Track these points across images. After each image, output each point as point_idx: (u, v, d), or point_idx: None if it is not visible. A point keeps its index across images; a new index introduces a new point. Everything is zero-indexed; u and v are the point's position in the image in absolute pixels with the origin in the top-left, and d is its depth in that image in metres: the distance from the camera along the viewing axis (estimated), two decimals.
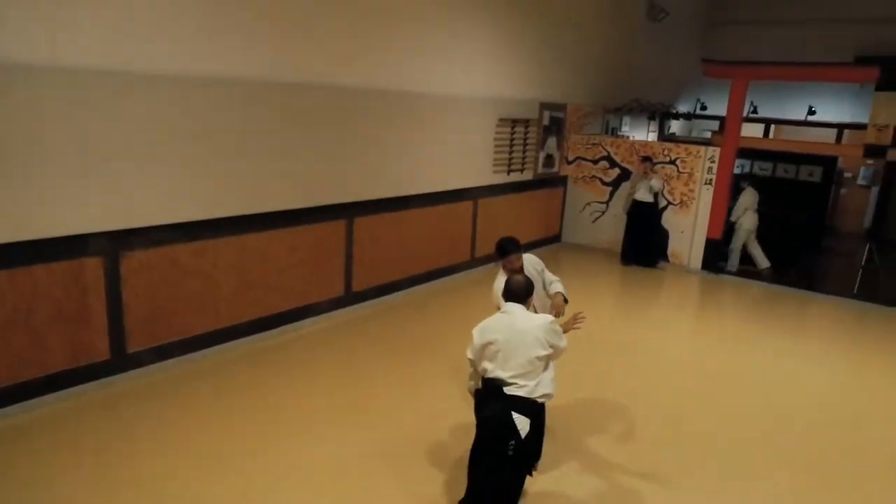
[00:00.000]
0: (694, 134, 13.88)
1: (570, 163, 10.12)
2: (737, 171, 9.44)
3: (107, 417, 4.30)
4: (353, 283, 6.59)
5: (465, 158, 7.82)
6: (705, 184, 9.00)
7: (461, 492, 3.49)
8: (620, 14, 10.78)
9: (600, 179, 9.96)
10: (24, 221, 4.07)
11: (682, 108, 13.62)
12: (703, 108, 13.66)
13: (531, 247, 9.29)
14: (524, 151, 8.89)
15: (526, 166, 9.01)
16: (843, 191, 13.00)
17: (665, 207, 9.36)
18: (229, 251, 5.32)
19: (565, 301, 4.14)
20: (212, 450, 4.00)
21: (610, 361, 5.85)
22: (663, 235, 9.41)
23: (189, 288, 5.07)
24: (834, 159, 10.97)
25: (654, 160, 9.24)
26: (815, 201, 10.92)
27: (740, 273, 9.09)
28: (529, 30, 8.51)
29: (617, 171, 9.78)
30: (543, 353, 3.23)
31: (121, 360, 4.75)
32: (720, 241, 9.07)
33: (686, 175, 9.15)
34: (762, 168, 11.13)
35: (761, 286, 8.71)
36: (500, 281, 4.01)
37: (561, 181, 10.08)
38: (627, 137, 10.80)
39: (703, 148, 9.10)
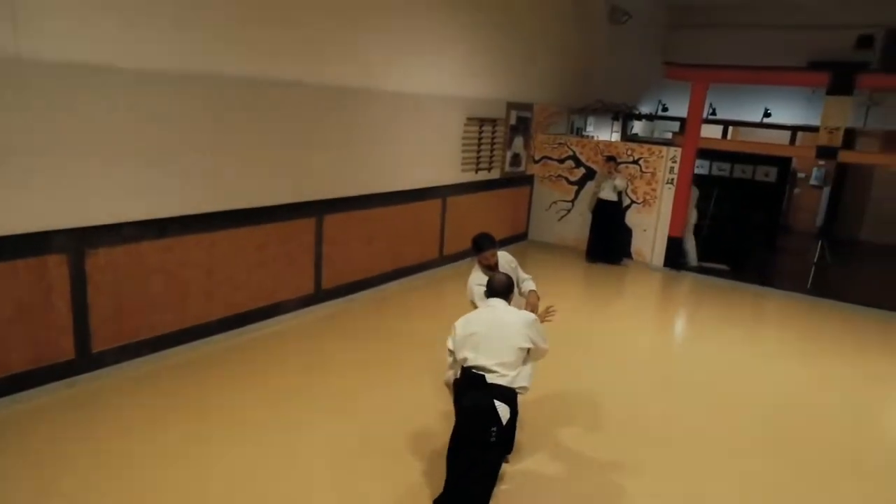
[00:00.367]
0: (655, 134, 14.20)
1: (536, 162, 10.26)
2: (698, 170, 9.70)
3: (69, 418, 4.21)
4: (322, 281, 6.58)
5: (433, 157, 7.87)
6: (667, 183, 9.25)
7: (440, 482, 3.55)
8: (584, 16, 10.97)
9: (566, 178, 10.13)
10: None
11: (645, 109, 13.92)
12: (665, 109, 13.99)
13: (499, 245, 9.38)
14: (492, 150, 8.99)
15: (493, 165, 9.11)
16: (796, 191, 13.48)
17: (629, 206, 9.58)
18: (197, 249, 5.27)
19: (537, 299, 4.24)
20: (178, 450, 3.96)
21: (576, 354, 5.98)
22: (627, 233, 9.63)
23: (156, 286, 5.00)
24: (788, 160, 11.37)
25: (619, 160, 9.44)
26: (771, 201, 11.30)
27: (700, 270, 9.37)
28: (497, 30, 8.61)
29: (582, 170, 9.97)
30: (525, 345, 3.34)
31: (86, 360, 4.66)
32: (681, 239, 9.33)
33: (649, 175, 9.38)
34: (721, 168, 11.45)
35: (720, 282, 8.99)
36: (476, 276, 4.09)
37: (527, 180, 10.21)
38: (592, 137, 11.00)
39: (665, 148, 9.34)
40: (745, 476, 4.19)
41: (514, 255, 4.64)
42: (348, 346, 5.76)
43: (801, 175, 13.36)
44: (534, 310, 4.07)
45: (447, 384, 3.61)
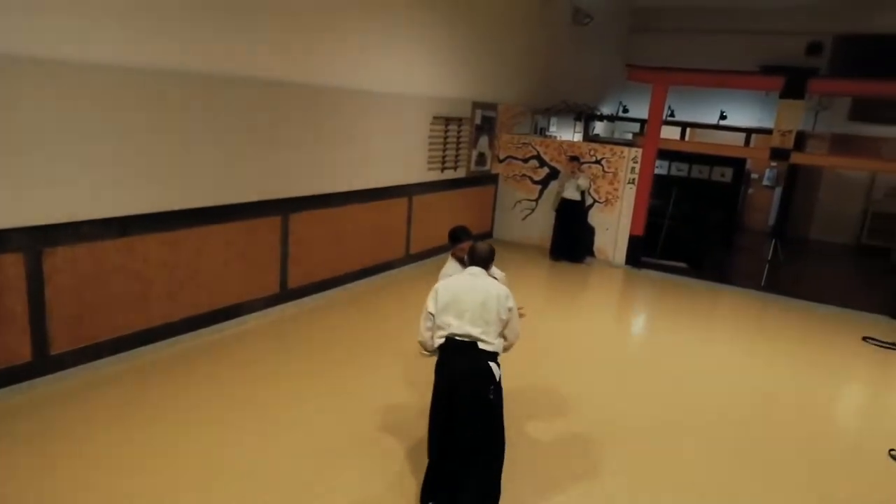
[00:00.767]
0: (616, 135, 14.48)
1: (501, 161, 10.35)
2: (657, 171, 9.94)
3: (24, 423, 4.07)
4: (288, 280, 6.51)
5: (400, 155, 7.87)
6: (629, 183, 9.45)
7: (416, 475, 3.56)
8: (548, 18, 11.11)
9: (530, 178, 10.24)
10: None
11: (606, 110, 14.19)
12: (625, 110, 14.30)
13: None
14: (457, 149, 9.03)
15: (459, 164, 9.15)
16: (750, 191, 13.93)
17: (591, 205, 9.75)
18: (160, 247, 5.15)
19: None
20: (140, 457, 3.85)
21: (540, 349, 6.06)
22: (590, 232, 9.80)
23: (118, 286, 4.87)
24: (743, 161, 11.75)
25: (582, 160, 9.60)
26: (727, 200, 11.66)
27: (660, 267, 9.60)
28: (462, 30, 8.66)
29: (546, 170, 10.10)
30: (504, 316, 3.46)
31: (43, 362, 4.51)
32: (643, 237, 9.55)
33: (611, 174, 9.56)
34: (679, 169, 11.75)
35: (679, 279, 9.24)
36: (449, 267, 4.14)
37: (492, 179, 10.29)
38: (555, 137, 11.15)
39: (626, 149, 9.54)
40: (702, 459, 4.33)
41: None
42: (314, 346, 5.72)
43: (754, 176, 13.81)
44: None
45: (425, 345, 3.62)
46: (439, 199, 8.85)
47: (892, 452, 4.68)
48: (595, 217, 9.77)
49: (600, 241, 9.79)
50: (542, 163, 10.11)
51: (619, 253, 9.65)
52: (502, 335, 3.51)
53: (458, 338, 3.42)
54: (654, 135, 9.30)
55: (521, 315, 3.87)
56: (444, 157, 8.74)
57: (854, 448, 4.82)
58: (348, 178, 7.06)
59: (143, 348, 5.14)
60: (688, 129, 13.06)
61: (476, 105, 9.30)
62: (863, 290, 9.28)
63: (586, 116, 12.94)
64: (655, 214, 9.98)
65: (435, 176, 8.64)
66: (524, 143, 10.24)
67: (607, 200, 9.65)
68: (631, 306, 8.49)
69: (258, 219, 6.02)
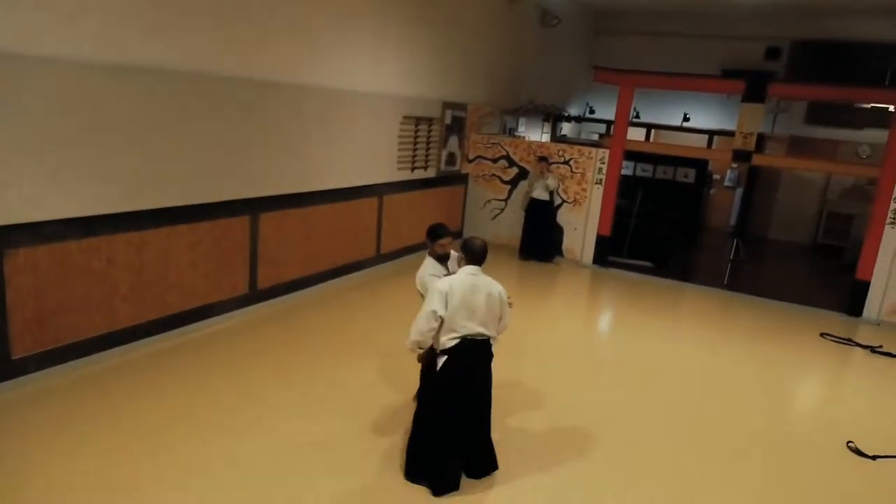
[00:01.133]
0: (583, 136, 14.67)
1: (470, 161, 10.39)
2: (623, 171, 10.10)
3: None
4: (257, 281, 6.43)
5: (370, 155, 7.83)
6: (596, 183, 9.59)
7: (393, 479, 3.56)
8: (516, 19, 11.20)
9: (500, 178, 10.31)
10: None
11: (573, 111, 14.36)
12: (592, 111, 14.49)
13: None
14: (427, 149, 9.04)
15: (429, 164, 9.16)
16: (711, 191, 14.27)
17: (560, 205, 9.87)
18: (126, 248, 5.03)
19: None
20: (104, 466, 3.76)
21: (509, 348, 6.11)
22: (559, 232, 9.92)
23: (82, 287, 4.75)
24: (705, 162, 12.03)
25: (550, 160, 9.71)
26: (690, 201, 11.93)
27: (627, 267, 9.77)
28: (432, 29, 8.66)
29: (515, 170, 10.18)
30: (503, 312, 3.76)
31: (5, 367, 4.36)
32: (610, 237, 9.70)
33: (579, 175, 9.69)
34: (644, 169, 11.96)
35: (645, 278, 9.42)
36: (429, 267, 4.15)
37: (462, 179, 10.33)
38: (524, 138, 11.24)
39: (594, 149, 9.68)
40: (666, 450, 4.44)
41: None
42: (285, 348, 5.66)
43: (716, 177, 14.14)
44: None
45: (421, 345, 3.68)
46: (410, 198, 8.84)
47: (850, 444, 4.86)
48: (563, 217, 9.89)
49: (569, 241, 9.92)
50: (512, 163, 10.19)
51: (587, 252, 9.78)
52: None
53: (469, 338, 3.62)
54: (621, 136, 9.46)
55: (510, 305, 3.99)
56: (414, 156, 8.73)
57: (814, 440, 4.99)
58: (318, 178, 7.01)
59: (109, 351, 5.02)
60: (652, 131, 13.32)
61: (446, 105, 9.32)
62: (819, 288, 9.61)
63: (554, 117, 13.07)
64: (621, 214, 10.14)
65: (405, 175, 8.63)
66: (493, 143, 10.30)
67: (575, 200, 9.78)
68: (599, 305, 8.63)
69: (227, 219, 5.93)
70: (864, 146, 12.52)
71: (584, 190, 9.69)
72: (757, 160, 9.10)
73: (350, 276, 7.82)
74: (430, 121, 8.95)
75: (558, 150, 9.85)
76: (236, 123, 5.83)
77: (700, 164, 11.73)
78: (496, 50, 10.69)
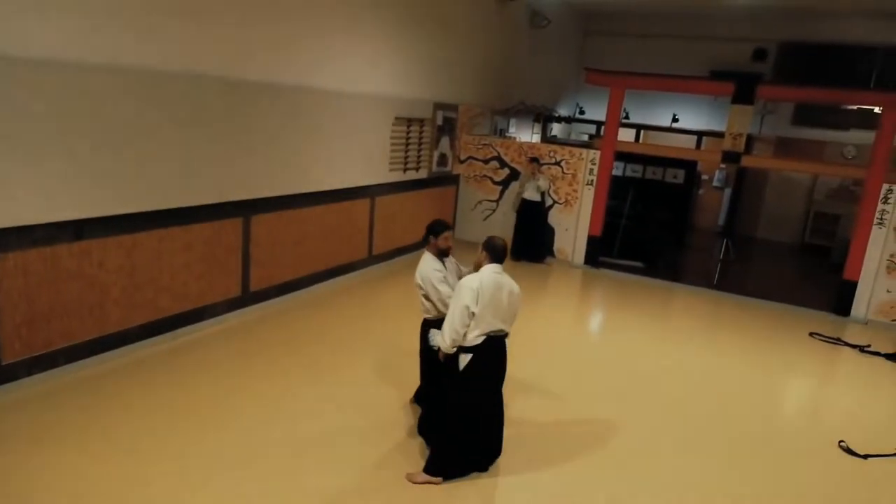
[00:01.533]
0: (572, 136, 14.72)
1: (462, 162, 10.40)
2: (613, 172, 10.14)
3: None
4: (250, 283, 6.38)
5: (362, 156, 7.81)
6: (587, 184, 9.63)
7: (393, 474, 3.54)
8: (506, 20, 11.22)
9: (491, 179, 10.32)
10: None
11: (563, 111, 14.40)
12: (582, 112, 14.55)
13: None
14: (419, 150, 9.03)
15: (421, 165, 9.15)
16: (700, 192, 14.38)
17: (551, 206, 9.89)
18: (117, 251, 4.98)
19: None
20: (92, 467, 3.72)
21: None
22: (550, 232, 9.95)
23: (73, 291, 4.69)
24: (694, 163, 12.11)
25: (541, 161, 9.73)
26: (680, 201, 12.01)
27: (617, 267, 9.82)
28: (423, 30, 8.65)
29: (507, 170, 10.19)
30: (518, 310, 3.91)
31: None
32: (600, 237, 9.74)
33: (570, 176, 9.72)
34: (634, 170, 12.02)
35: (636, 278, 9.47)
36: (430, 262, 4.15)
37: (453, 180, 10.33)
38: (514, 139, 11.26)
39: (585, 150, 9.71)
40: (658, 449, 4.47)
41: None
42: (278, 350, 5.63)
43: (704, 177, 14.25)
44: None
45: (454, 344, 3.71)
46: (401, 199, 8.82)
47: (841, 444, 4.91)
48: (555, 218, 9.92)
49: (560, 242, 9.95)
50: (503, 163, 10.21)
51: (579, 253, 9.82)
52: None
53: (492, 334, 3.74)
54: (612, 137, 9.50)
55: None
56: (406, 157, 8.72)
57: (805, 439, 5.04)
58: (311, 179, 6.97)
59: (100, 356, 4.96)
60: (642, 132, 13.39)
61: (437, 106, 9.31)
62: (807, 288, 9.71)
63: (544, 118, 13.11)
64: (611, 215, 10.19)
65: (397, 177, 8.61)
66: (485, 144, 10.31)
67: (567, 201, 9.81)
68: (591, 306, 8.66)
69: (219, 221, 5.89)
70: (849, 147, 12.67)
71: (575, 191, 9.73)
72: (746, 161, 9.17)
73: (343, 277, 7.79)
74: (421, 122, 8.94)
75: (549, 151, 9.88)
76: (228, 125, 5.79)
77: (689, 165, 11.82)
78: (487, 51, 10.70)
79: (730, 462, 4.55)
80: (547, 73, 13.39)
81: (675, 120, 13.05)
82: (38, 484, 3.51)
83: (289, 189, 6.67)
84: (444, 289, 4.05)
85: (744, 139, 8.68)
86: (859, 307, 8.29)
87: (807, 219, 13.24)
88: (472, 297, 3.64)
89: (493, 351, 3.83)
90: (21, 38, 4.10)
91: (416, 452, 4.15)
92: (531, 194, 9.59)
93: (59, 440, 3.92)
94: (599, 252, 9.83)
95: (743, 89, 8.61)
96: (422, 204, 9.38)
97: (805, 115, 13.07)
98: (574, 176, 9.71)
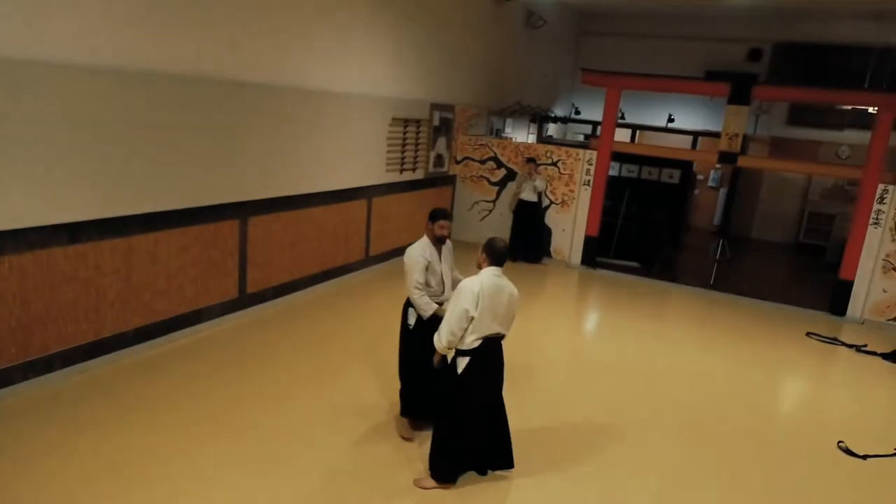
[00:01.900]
0: (568, 137, 14.73)
1: (458, 162, 10.37)
2: (609, 172, 10.14)
3: None
4: (247, 285, 6.34)
5: (359, 157, 7.78)
6: (584, 185, 9.63)
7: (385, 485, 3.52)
8: (502, 20, 11.20)
9: (487, 179, 10.30)
10: None
11: (559, 111, 14.41)
12: (577, 112, 14.54)
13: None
14: (416, 151, 9.00)
15: (418, 165, 9.12)
16: (695, 192, 14.41)
17: (548, 206, 9.89)
18: (114, 254, 4.93)
19: None
20: (85, 475, 3.67)
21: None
22: (547, 233, 9.94)
23: (68, 295, 4.64)
24: (690, 163, 12.13)
25: (538, 162, 9.72)
26: (675, 201, 12.01)
27: (614, 267, 9.82)
28: (420, 31, 8.63)
29: (503, 171, 10.18)
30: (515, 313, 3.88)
31: None
32: (597, 238, 9.74)
33: (567, 176, 9.72)
34: (629, 170, 12.02)
35: (633, 279, 9.48)
36: (419, 247, 4.22)
37: (450, 180, 10.30)
38: (511, 139, 11.25)
39: (581, 151, 9.71)
40: (659, 451, 4.47)
41: None
42: (275, 353, 5.59)
43: (699, 177, 14.28)
44: None
45: (450, 345, 3.70)
46: (398, 200, 8.79)
47: (840, 444, 4.92)
48: (552, 218, 9.91)
49: (557, 242, 9.94)
50: (500, 164, 10.19)
51: (576, 253, 9.82)
52: None
53: (490, 338, 3.72)
54: (608, 137, 9.50)
55: None
56: (402, 158, 8.69)
57: (804, 440, 5.05)
58: (308, 180, 6.93)
59: (96, 360, 4.91)
60: (637, 132, 13.40)
61: (434, 106, 9.28)
62: (803, 288, 9.74)
63: (540, 118, 13.10)
64: (607, 215, 10.17)
65: (394, 177, 8.58)
66: (481, 145, 10.29)
67: (563, 202, 9.81)
68: (588, 306, 8.66)
69: (216, 223, 5.84)
70: (843, 147, 12.73)
71: (571, 191, 9.72)
72: (743, 162, 9.18)
73: (340, 278, 7.75)
74: (418, 122, 8.91)
75: (546, 152, 9.87)
76: (224, 126, 5.74)
77: (685, 165, 11.83)
78: (483, 51, 10.68)
79: (730, 463, 4.55)
80: (543, 74, 13.39)
81: (670, 120, 13.07)
82: (36, 490, 3.47)
83: (286, 190, 6.63)
84: (417, 277, 4.17)
85: (740, 140, 8.70)
86: (855, 307, 8.31)
87: (801, 218, 13.29)
88: (473, 300, 3.62)
89: (490, 354, 3.82)
90: (16, 39, 4.05)
91: (416, 456, 4.13)
92: (528, 195, 9.57)
93: (56, 445, 3.88)
94: (596, 252, 9.83)
95: (739, 90, 8.63)
96: (419, 205, 9.34)
97: (799, 115, 13.11)
98: (571, 176, 9.70)
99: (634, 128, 13.14)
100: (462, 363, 3.74)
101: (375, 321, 6.59)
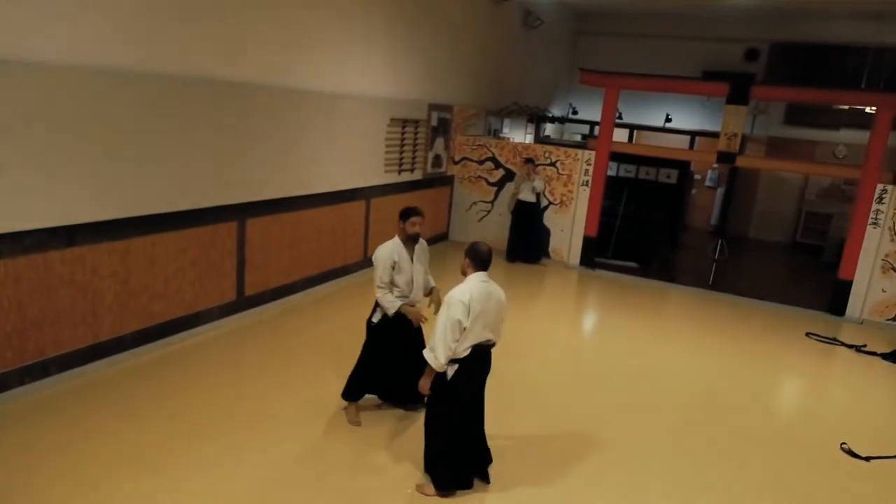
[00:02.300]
0: (565, 137, 14.71)
1: (456, 163, 10.33)
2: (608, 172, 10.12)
3: None
4: (245, 288, 6.29)
5: (358, 158, 7.73)
6: (582, 185, 9.60)
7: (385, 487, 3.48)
8: (499, 20, 11.16)
9: (486, 180, 10.27)
10: None
11: (556, 111, 14.38)
12: (575, 112, 14.52)
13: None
14: (414, 151, 8.96)
15: (416, 166, 9.08)
16: (693, 191, 14.41)
17: (547, 207, 9.86)
18: (111, 257, 4.87)
19: None
20: (84, 485, 3.62)
21: (497, 348, 6.06)
22: (545, 233, 9.91)
23: (65, 299, 4.58)
24: (687, 163, 12.12)
25: (536, 162, 9.69)
26: (673, 201, 12.00)
27: (613, 268, 9.80)
28: (418, 32, 8.59)
29: (501, 171, 10.14)
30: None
31: None
32: (596, 238, 9.71)
33: (565, 176, 9.69)
34: (627, 170, 12.00)
35: (631, 279, 9.46)
36: (389, 246, 4.30)
37: (448, 181, 10.26)
38: (508, 139, 11.21)
39: (580, 151, 9.68)
40: (663, 453, 4.44)
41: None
42: (273, 355, 5.54)
43: (697, 177, 14.28)
44: (439, 306, 4.25)
45: (447, 357, 3.59)
46: (397, 201, 8.72)
47: (843, 446, 4.90)
48: (550, 218, 9.89)
49: (555, 243, 9.92)
50: (498, 164, 10.15)
51: (574, 254, 9.79)
52: None
53: (479, 345, 3.66)
54: (607, 137, 9.47)
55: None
56: (401, 159, 8.64)
57: (807, 442, 5.02)
58: (306, 182, 6.88)
59: (93, 364, 4.86)
60: (635, 132, 13.39)
61: (432, 107, 9.24)
62: (801, 287, 9.74)
63: (537, 118, 13.07)
64: (605, 215, 10.15)
65: (392, 178, 8.54)
66: (479, 145, 10.25)
67: (562, 202, 9.78)
68: (587, 307, 8.63)
69: (214, 225, 5.79)
70: (840, 147, 12.75)
71: (570, 191, 9.70)
72: (741, 162, 9.17)
73: (339, 280, 7.70)
74: (416, 123, 8.87)
75: (544, 152, 9.84)
76: (223, 127, 5.69)
77: (682, 165, 11.82)
78: (480, 51, 10.65)
79: (731, 465, 4.52)
80: (540, 73, 13.36)
81: (668, 120, 13.06)
82: (33, 494, 3.41)
83: (284, 192, 6.58)
84: (382, 275, 4.23)
85: (739, 139, 8.69)
86: (854, 307, 8.31)
87: (798, 218, 13.30)
88: (464, 311, 3.53)
89: (478, 360, 3.74)
90: (12, 41, 3.99)
91: (418, 459, 4.09)
92: (526, 195, 9.54)
93: (53, 450, 3.82)
94: (595, 253, 9.80)
95: (738, 90, 8.61)
96: (416, 204, 9.26)
97: (797, 114, 13.12)
98: (569, 177, 9.67)
99: (632, 128, 13.13)
100: (451, 370, 3.66)
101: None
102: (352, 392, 4.52)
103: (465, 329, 3.55)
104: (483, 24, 10.61)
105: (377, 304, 4.41)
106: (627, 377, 5.91)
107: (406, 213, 4.33)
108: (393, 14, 7.94)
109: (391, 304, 4.23)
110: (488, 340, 3.74)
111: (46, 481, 3.56)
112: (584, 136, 13.74)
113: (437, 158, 9.67)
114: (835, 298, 8.45)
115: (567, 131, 14.98)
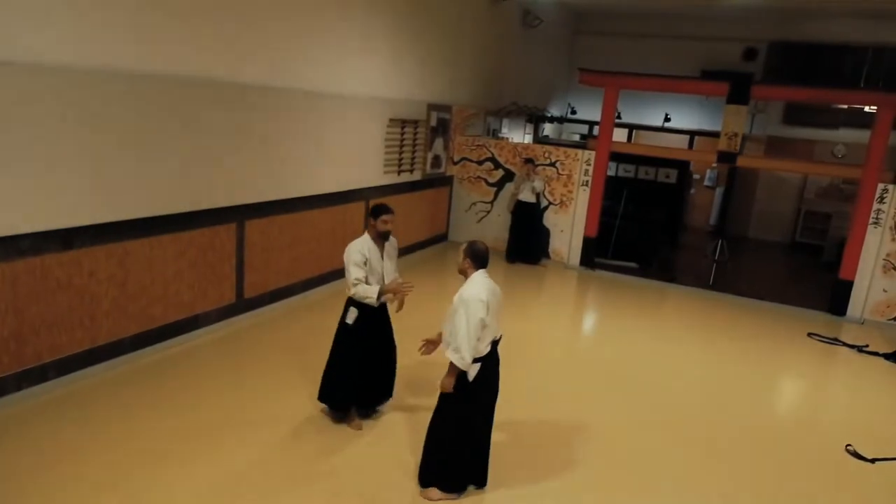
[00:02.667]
0: (564, 136, 14.67)
1: (455, 163, 10.29)
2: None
3: None
4: (244, 290, 6.24)
5: (357, 159, 7.69)
6: (582, 185, 9.57)
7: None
8: (498, 19, 11.12)
9: (485, 180, 10.23)
10: None
11: (555, 111, 14.35)
12: (574, 112, 14.49)
13: (420, 246, 9.35)
14: (413, 152, 8.91)
15: (415, 166, 9.03)
16: (692, 191, 14.39)
17: (546, 207, 9.82)
18: (109, 260, 4.82)
19: None
20: (86, 491, 3.58)
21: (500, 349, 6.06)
22: (545, 234, 9.88)
23: (63, 303, 4.53)
24: (687, 163, 12.10)
25: (536, 162, 9.66)
26: (673, 201, 11.98)
27: (613, 268, 9.77)
28: (417, 31, 8.54)
29: (501, 172, 10.10)
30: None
31: None
32: (595, 238, 9.68)
33: (565, 177, 9.66)
34: (626, 170, 11.98)
35: (631, 279, 9.43)
36: (358, 243, 4.25)
37: (447, 181, 10.22)
38: (507, 139, 11.18)
39: (580, 151, 9.65)
40: (662, 453, 4.41)
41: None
42: (273, 357, 5.50)
43: (696, 176, 14.26)
44: (402, 305, 4.37)
45: (461, 363, 3.57)
46: (396, 201, 8.63)
47: (849, 448, 4.88)
48: (550, 219, 9.85)
49: (555, 243, 9.88)
50: (497, 164, 10.12)
51: (574, 254, 9.76)
52: None
53: (495, 340, 3.73)
54: (607, 137, 9.44)
55: (407, 288, 4.24)
56: (400, 159, 8.60)
57: (812, 444, 5.00)
58: (305, 183, 6.84)
59: (91, 368, 4.80)
60: (634, 132, 13.36)
61: (431, 107, 9.20)
62: (801, 287, 9.72)
63: (536, 118, 13.04)
64: (605, 215, 10.11)
65: (391, 179, 8.49)
66: (479, 145, 10.21)
67: (562, 202, 9.75)
68: (587, 308, 8.60)
69: (213, 226, 5.74)
70: (839, 146, 12.74)
71: (570, 192, 9.66)
72: (742, 162, 9.15)
73: (338, 281, 7.64)
74: (415, 123, 8.83)
75: (544, 152, 9.81)
76: (221, 128, 5.64)
77: (681, 165, 11.80)
78: (479, 51, 10.61)
79: (733, 466, 4.50)
80: (539, 73, 13.32)
81: (667, 120, 13.04)
82: (31, 500, 3.37)
83: (283, 193, 6.53)
84: (356, 273, 4.16)
85: (739, 139, 8.66)
86: (855, 307, 8.30)
87: (798, 217, 13.29)
88: (485, 309, 3.56)
89: (494, 357, 3.80)
90: (8, 41, 3.94)
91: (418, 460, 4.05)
92: (526, 195, 9.51)
93: (52, 455, 3.77)
94: (595, 253, 9.77)
95: (738, 89, 8.59)
96: (416, 205, 9.26)
97: (795, 114, 13.10)
98: (569, 177, 9.64)
99: (631, 127, 13.11)
100: (473, 371, 3.65)
101: None
102: (333, 398, 4.45)
103: (485, 326, 3.58)
104: (482, 24, 10.57)
105: (349, 304, 4.34)
106: (628, 378, 5.88)
107: (377, 211, 4.29)
108: (391, 14, 7.90)
109: (370, 290, 4.15)
110: (499, 335, 3.80)
111: (46, 484, 3.52)
112: (583, 136, 13.71)
113: (437, 159, 9.63)
114: (835, 298, 8.43)
115: (565, 131, 14.95)
